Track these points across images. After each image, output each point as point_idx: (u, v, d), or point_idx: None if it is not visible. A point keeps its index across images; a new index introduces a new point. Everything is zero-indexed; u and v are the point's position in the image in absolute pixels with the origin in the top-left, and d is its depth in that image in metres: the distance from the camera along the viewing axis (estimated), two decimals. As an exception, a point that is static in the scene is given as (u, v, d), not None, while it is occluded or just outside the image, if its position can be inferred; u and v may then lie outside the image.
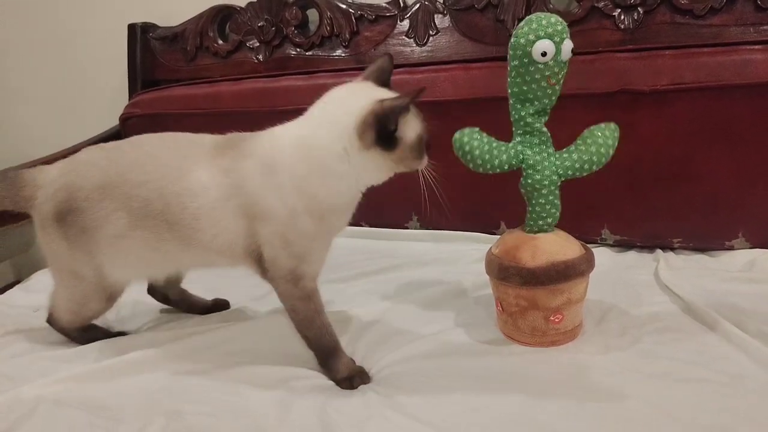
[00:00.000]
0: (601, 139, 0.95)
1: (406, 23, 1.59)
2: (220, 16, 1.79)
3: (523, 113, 0.95)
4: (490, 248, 1.03)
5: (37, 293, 1.31)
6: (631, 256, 1.38)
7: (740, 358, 0.90)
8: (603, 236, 1.41)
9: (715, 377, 0.85)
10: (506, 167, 0.97)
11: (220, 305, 1.21)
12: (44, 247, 1.00)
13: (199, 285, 1.26)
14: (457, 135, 0.98)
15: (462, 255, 1.40)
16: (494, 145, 0.97)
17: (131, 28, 1.87)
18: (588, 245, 1.02)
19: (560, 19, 0.91)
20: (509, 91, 0.96)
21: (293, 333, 0.96)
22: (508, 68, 0.94)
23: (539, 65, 0.90)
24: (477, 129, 0.98)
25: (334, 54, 1.68)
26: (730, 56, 1.24)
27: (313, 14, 1.71)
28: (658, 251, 1.36)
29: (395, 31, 1.60)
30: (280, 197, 0.88)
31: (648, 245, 1.39)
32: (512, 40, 0.92)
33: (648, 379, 0.86)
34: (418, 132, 0.88)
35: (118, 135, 1.77)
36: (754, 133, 1.24)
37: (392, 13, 1.60)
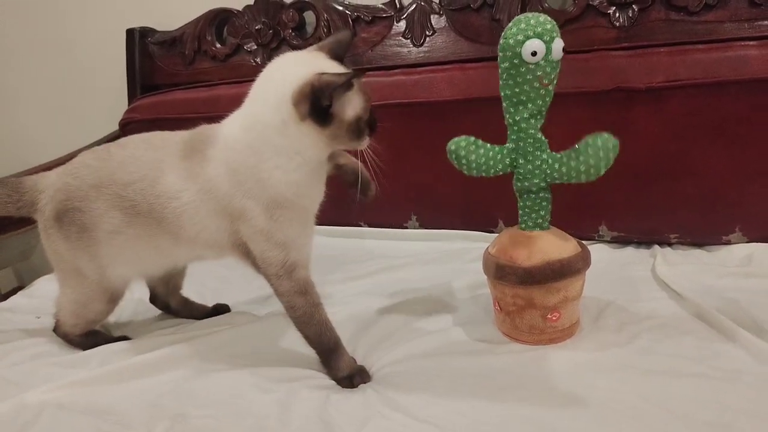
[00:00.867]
0: (602, 152, 0.90)
1: (402, 24, 1.59)
2: (218, 19, 1.80)
3: (517, 117, 0.95)
4: (487, 248, 1.04)
5: (39, 299, 1.33)
6: (629, 252, 1.38)
7: (738, 354, 0.90)
8: (600, 233, 1.41)
9: (713, 373, 0.85)
10: (500, 173, 0.98)
11: (220, 310, 1.22)
12: (47, 249, 1.03)
13: (199, 288, 1.27)
14: (451, 146, 0.98)
15: (460, 254, 1.40)
16: (490, 154, 0.97)
17: (129, 33, 1.88)
18: (585, 242, 1.03)
19: (549, 18, 0.90)
20: (502, 94, 0.95)
21: (293, 334, 0.97)
22: (499, 71, 0.94)
23: (530, 66, 0.90)
24: (471, 138, 0.97)
25: (331, 55, 1.68)
26: (725, 52, 1.24)
27: (309, 16, 1.71)
28: (656, 247, 1.36)
29: (392, 32, 1.60)
30: (247, 195, 0.88)
31: (645, 241, 1.40)
32: (501, 41, 0.92)
33: (646, 375, 0.87)
34: (357, 112, 0.85)
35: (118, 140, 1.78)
36: (750, 128, 1.24)
37: (388, 14, 1.60)
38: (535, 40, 0.89)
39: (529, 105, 0.94)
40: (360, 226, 1.63)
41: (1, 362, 1.04)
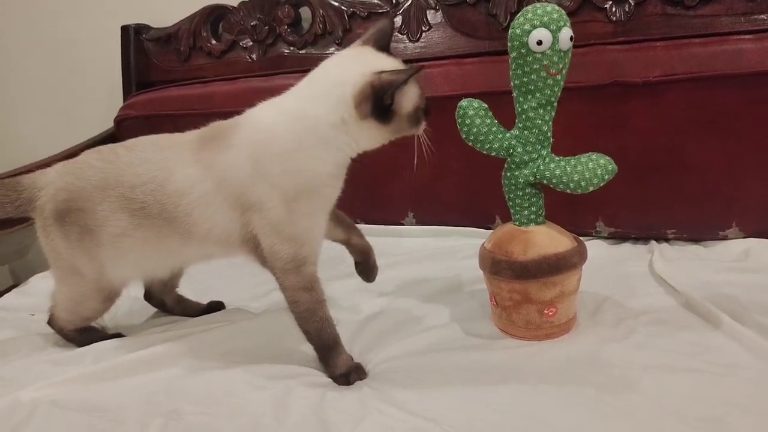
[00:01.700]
0: (599, 171, 0.90)
1: (398, 19, 1.59)
2: (213, 15, 1.79)
3: (525, 106, 0.95)
4: (483, 243, 1.03)
5: (34, 297, 1.33)
6: (626, 248, 1.38)
7: (735, 349, 0.90)
8: (597, 229, 1.41)
9: (709, 368, 0.85)
10: (494, 154, 0.98)
11: (215, 308, 1.22)
12: (45, 247, 1.02)
13: (194, 286, 1.27)
14: (464, 103, 0.97)
15: (457, 250, 1.40)
16: (494, 129, 0.97)
17: (124, 29, 1.88)
18: (582, 238, 1.02)
19: (557, 8, 0.90)
20: (512, 83, 0.96)
21: (289, 331, 0.96)
22: (509, 60, 0.94)
23: (536, 55, 0.90)
24: (485, 106, 0.98)
25: (328, 52, 1.68)
26: (721, 46, 1.24)
27: (305, 12, 1.71)
28: (653, 243, 1.36)
29: (388, 28, 1.60)
30: (268, 183, 0.87)
31: (642, 237, 1.40)
32: (510, 31, 0.92)
33: (643, 370, 0.86)
34: (415, 103, 0.87)
35: (113, 137, 1.78)
36: (747, 122, 1.24)
37: (384, 10, 1.60)
38: (541, 30, 0.89)
39: (537, 94, 0.94)
40: (357, 223, 1.62)
41: (-5, 360, 1.03)
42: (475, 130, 0.97)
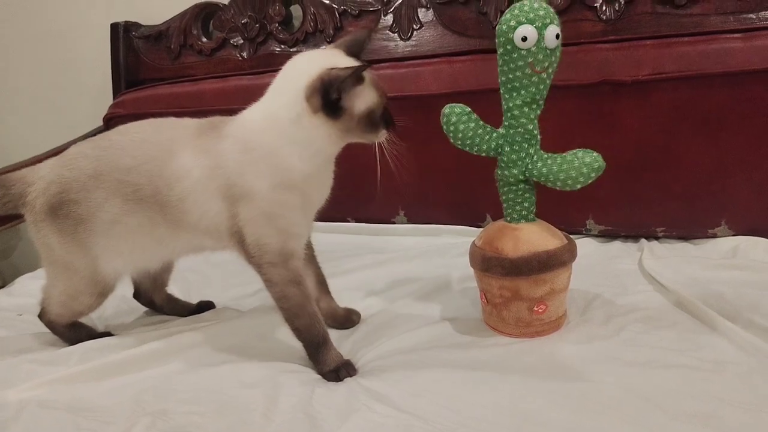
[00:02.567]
0: (585, 169, 0.90)
1: (389, 18, 1.59)
2: (204, 13, 1.79)
3: (510, 104, 0.95)
4: (474, 240, 1.03)
5: (21, 297, 1.32)
6: (616, 245, 1.39)
7: (723, 345, 0.90)
8: (588, 227, 1.42)
9: (698, 364, 0.86)
10: (483, 155, 0.98)
11: (204, 307, 1.21)
12: (37, 242, 1.01)
13: (183, 285, 1.26)
14: (446, 110, 0.98)
15: (448, 248, 1.40)
16: (479, 132, 0.97)
17: (114, 27, 1.87)
18: (572, 236, 1.02)
19: (544, 5, 0.90)
20: (499, 80, 0.96)
21: (277, 330, 0.96)
22: (497, 57, 0.94)
23: (521, 51, 0.90)
24: (468, 109, 0.98)
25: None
26: (710, 45, 1.25)
27: (296, 10, 1.71)
28: (643, 240, 1.37)
29: (379, 26, 1.60)
30: (256, 173, 0.89)
31: (632, 235, 1.40)
32: (497, 27, 0.92)
33: (632, 367, 0.87)
34: (369, 105, 0.88)
35: (103, 135, 1.76)
36: (735, 121, 1.25)
37: (375, 8, 1.60)
38: (526, 26, 0.89)
39: (522, 92, 0.93)
40: (347, 221, 1.62)
41: (-19, 360, 1.02)
42: (460, 135, 0.97)
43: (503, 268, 0.95)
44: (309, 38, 1.68)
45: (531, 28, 0.88)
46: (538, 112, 0.96)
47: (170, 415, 0.83)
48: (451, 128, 0.97)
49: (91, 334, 1.09)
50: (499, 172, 0.99)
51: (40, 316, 1.09)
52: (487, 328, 1.02)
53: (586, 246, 1.35)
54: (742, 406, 0.76)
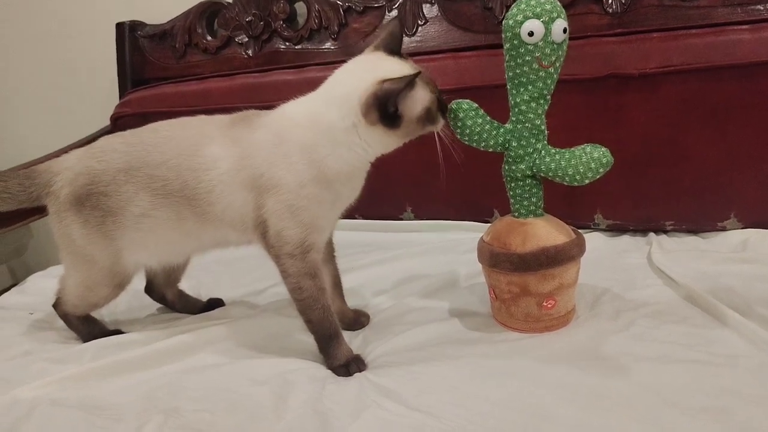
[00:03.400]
0: (593, 164, 0.90)
1: (394, 13, 1.58)
2: (208, 12, 1.79)
3: (518, 99, 0.95)
4: (482, 236, 1.03)
5: (32, 296, 1.33)
6: (625, 240, 1.38)
7: (734, 339, 0.90)
8: (596, 221, 1.41)
9: (709, 358, 0.85)
10: (491, 150, 0.98)
11: (214, 305, 1.22)
12: (57, 232, 1.02)
13: (194, 282, 1.27)
14: (453, 105, 0.98)
15: (456, 244, 1.40)
16: (486, 127, 0.97)
17: (119, 27, 1.87)
18: (580, 230, 1.02)
19: (552, 0, 0.89)
20: (506, 75, 0.95)
21: (288, 327, 0.97)
22: (503, 52, 0.94)
23: (528, 46, 0.90)
24: (475, 105, 0.98)
25: (324, 47, 1.67)
26: (717, 37, 1.24)
27: (301, 7, 1.71)
28: (651, 234, 1.36)
29: (384, 22, 1.59)
30: (287, 166, 0.89)
31: (641, 229, 1.40)
32: (503, 22, 0.92)
33: (642, 361, 0.86)
34: (425, 105, 0.89)
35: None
36: (743, 113, 1.24)
37: (380, 4, 1.59)
38: (533, 21, 0.88)
39: (530, 87, 0.93)
40: (355, 218, 1.62)
41: (-6, 358, 1.03)
42: (468, 131, 0.97)
43: (512, 264, 0.95)
44: (314, 35, 1.68)
45: (538, 22, 0.88)
46: (546, 107, 0.95)
47: (181, 413, 0.83)
48: (459, 124, 0.97)
49: (104, 330, 1.10)
50: (506, 167, 0.99)
51: (55, 306, 1.10)
52: (496, 323, 1.02)
53: (594, 240, 1.35)
54: (753, 400, 0.75)
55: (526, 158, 0.96)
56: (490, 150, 0.98)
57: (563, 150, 0.94)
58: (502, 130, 0.97)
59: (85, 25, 2.00)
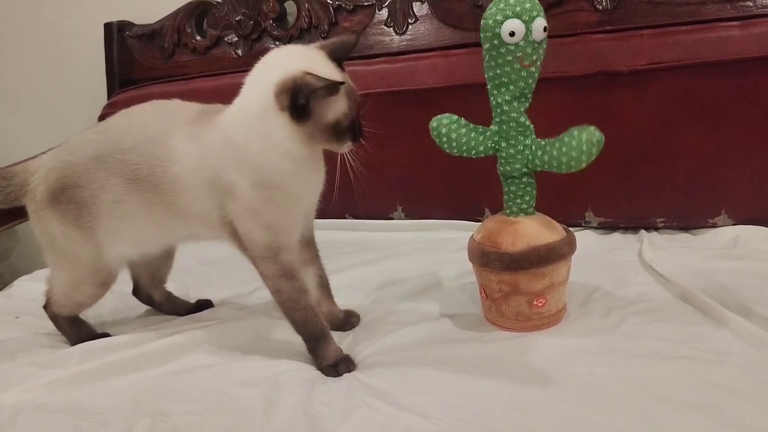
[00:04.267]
0: (585, 146, 0.87)
1: (384, 12, 1.58)
2: (197, 11, 1.77)
3: (499, 99, 0.94)
4: (472, 235, 1.02)
5: (18, 300, 1.32)
6: (616, 237, 1.38)
7: (725, 336, 0.90)
8: (587, 219, 1.41)
9: (700, 355, 0.85)
10: (482, 155, 0.97)
11: (203, 306, 1.21)
12: (38, 231, 1.01)
13: (181, 284, 1.26)
14: (434, 123, 0.97)
15: (446, 243, 1.39)
16: (472, 135, 0.96)
17: (107, 27, 1.85)
18: (571, 228, 1.02)
19: None
20: (485, 75, 0.94)
21: (276, 328, 0.96)
22: (482, 52, 0.93)
23: (509, 46, 0.89)
24: (455, 117, 0.97)
25: (314, 46, 1.67)
26: (707, 33, 1.24)
27: (290, 6, 1.69)
28: (642, 232, 1.36)
29: (374, 21, 1.59)
30: (236, 169, 0.88)
31: (632, 226, 1.40)
32: (482, 22, 0.90)
33: (633, 359, 0.86)
34: (337, 116, 0.85)
35: (98, 136, 1.76)
36: (734, 109, 1.24)
37: (370, 3, 1.59)
38: (513, 20, 0.87)
39: (511, 87, 0.92)
40: (345, 218, 1.62)
41: (-21, 363, 1.02)
42: (455, 143, 0.96)
43: (502, 263, 0.94)
44: (304, 34, 1.66)
45: (518, 22, 0.87)
46: (527, 105, 0.94)
47: (170, 416, 0.82)
48: (444, 139, 0.96)
49: (91, 333, 1.09)
50: (501, 168, 0.98)
51: (45, 307, 1.09)
52: (487, 323, 1.02)
53: (585, 238, 1.35)
54: (743, 396, 0.75)
55: (519, 156, 0.95)
56: (482, 156, 0.97)
57: (552, 140, 0.92)
58: (488, 133, 0.96)
59: (74, 25, 1.98)
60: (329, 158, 0.93)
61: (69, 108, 2.04)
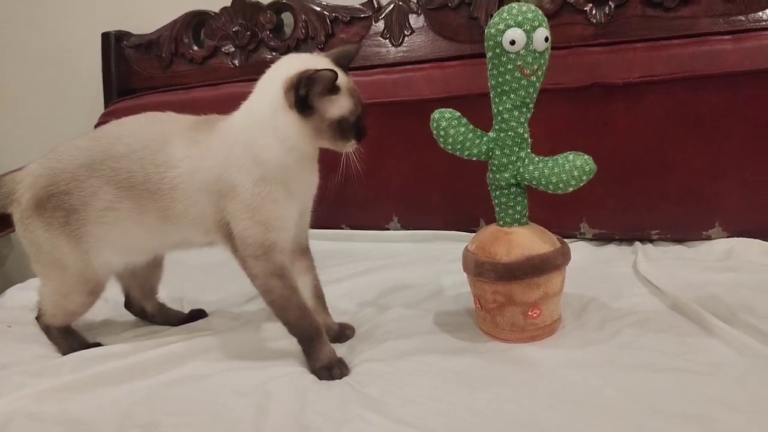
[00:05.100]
0: (576, 172, 0.91)
1: (381, 24, 1.59)
2: (195, 21, 1.79)
3: (501, 107, 0.95)
4: (467, 245, 1.03)
5: (10, 309, 1.31)
6: (611, 249, 1.39)
7: (719, 348, 0.90)
8: (582, 230, 1.42)
9: (694, 367, 0.86)
10: (474, 159, 0.98)
11: (196, 316, 1.20)
12: (25, 240, 1.03)
13: (174, 293, 1.26)
14: (435, 114, 0.98)
15: (442, 254, 1.39)
16: (470, 136, 0.97)
17: (105, 36, 1.86)
18: (566, 240, 1.02)
19: (532, 8, 0.90)
20: (489, 83, 0.96)
21: (268, 336, 0.96)
22: (486, 60, 0.94)
23: (510, 55, 0.90)
24: (458, 114, 0.98)
25: (310, 57, 1.68)
26: (700, 47, 1.26)
27: (287, 17, 1.71)
28: (637, 244, 1.37)
29: (370, 32, 1.60)
30: (239, 167, 0.91)
31: (627, 238, 1.41)
32: (486, 31, 0.93)
33: (628, 370, 0.87)
34: (342, 113, 0.90)
35: (94, 144, 1.76)
36: (727, 122, 1.26)
37: (366, 15, 1.60)
38: (514, 29, 0.89)
39: (512, 95, 0.93)
40: (342, 228, 1.62)
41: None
42: (451, 139, 0.97)
43: (496, 273, 0.94)
44: (300, 45, 1.68)
45: (519, 31, 0.89)
46: (529, 115, 0.96)
47: (160, 427, 0.82)
48: (441, 133, 0.97)
49: (83, 343, 1.08)
50: (491, 175, 0.99)
51: (37, 318, 1.10)
52: (482, 333, 1.02)
53: (580, 250, 1.35)
54: (736, 408, 0.76)
55: (510, 167, 0.96)
56: (474, 158, 0.98)
57: (546, 158, 0.94)
58: (485, 138, 0.98)
59: (72, 35, 1.99)
60: (332, 162, 0.95)
61: (67, 117, 2.04)
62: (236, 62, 1.75)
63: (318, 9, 1.64)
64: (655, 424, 0.74)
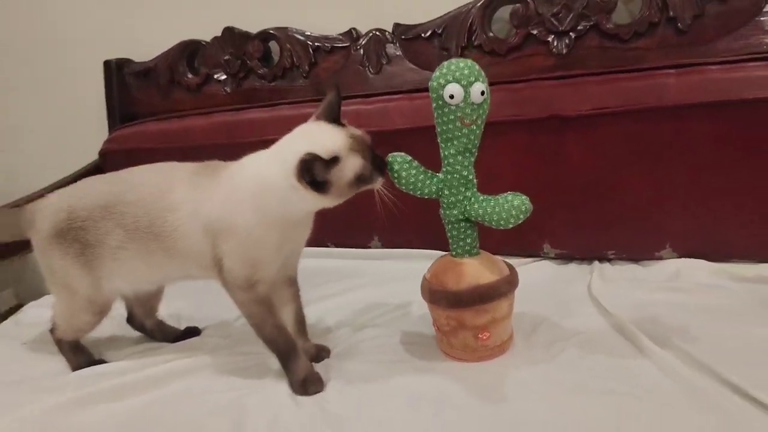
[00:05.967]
0: (514, 212, 0.99)
1: (360, 52, 1.67)
2: (188, 50, 1.87)
3: (446, 152, 1.04)
4: (425, 273, 1.12)
5: (26, 326, 1.41)
6: (571, 268, 1.46)
7: (652, 370, 0.95)
8: (545, 250, 1.50)
9: (631, 390, 0.90)
10: (427, 197, 1.07)
11: (190, 333, 1.32)
12: (42, 263, 1.15)
13: (172, 311, 1.36)
14: (389, 158, 1.06)
15: (419, 273, 1.43)
16: (420, 177, 1.06)
17: (107, 64, 1.95)
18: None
19: (470, 64, 0.98)
20: (436, 130, 1.04)
21: (253, 356, 1.05)
22: (433, 110, 1.02)
23: (451, 107, 0.99)
24: (409, 158, 1.06)
25: (296, 84, 1.77)
26: (647, 81, 1.32)
27: (274, 47, 1.79)
28: (595, 263, 1.44)
29: (349, 61, 1.68)
30: (239, 212, 0.99)
31: (586, 257, 1.48)
32: (429, 83, 1.00)
33: (568, 391, 0.92)
34: (355, 171, 0.95)
35: (98, 169, 1.87)
36: (671, 153, 1.33)
37: (345, 44, 1.68)
38: (453, 85, 0.97)
39: (455, 142, 1.02)
40: (327, 246, 1.71)
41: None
42: (404, 181, 1.06)
43: (447, 301, 1.04)
44: (287, 73, 1.76)
45: (458, 86, 0.97)
46: (472, 159, 1.04)
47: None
48: (395, 175, 1.06)
49: (90, 360, 1.20)
50: (442, 211, 1.08)
51: (51, 331, 1.22)
52: (441, 353, 1.11)
53: (543, 269, 1.43)
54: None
55: (458, 204, 1.05)
56: (427, 197, 1.07)
57: (489, 197, 1.02)
58: (435, 179, 1.06)
59: (78, 62, 2.06)
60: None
61: (74, 142, 2.11)
62: (228, 89, 1.84)
63: (301, 38, 1.72)
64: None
